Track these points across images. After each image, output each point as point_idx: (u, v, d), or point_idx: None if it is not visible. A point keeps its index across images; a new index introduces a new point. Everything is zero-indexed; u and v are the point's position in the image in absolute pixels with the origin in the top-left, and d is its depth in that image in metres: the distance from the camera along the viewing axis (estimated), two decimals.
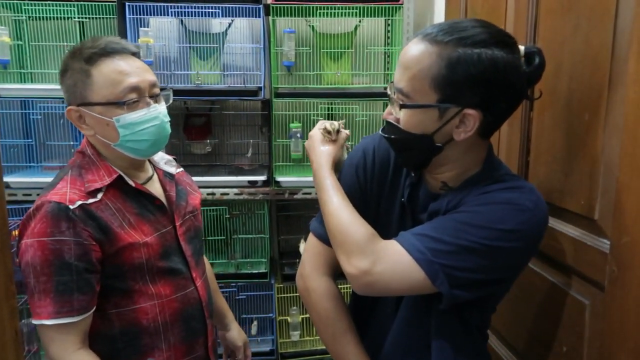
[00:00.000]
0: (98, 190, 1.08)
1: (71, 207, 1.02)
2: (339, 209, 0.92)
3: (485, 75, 0.79)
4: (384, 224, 0.98)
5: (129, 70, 1.07)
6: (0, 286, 0.47)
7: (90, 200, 1.05)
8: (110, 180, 1.09)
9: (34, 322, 1.02)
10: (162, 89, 1.16)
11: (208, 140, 2.34)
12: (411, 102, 0.83)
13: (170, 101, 1.18)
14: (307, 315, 2.17)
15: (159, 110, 1.12)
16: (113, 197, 1.09)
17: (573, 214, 0.95)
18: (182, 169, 1.32)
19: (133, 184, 1.13)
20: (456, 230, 0.82)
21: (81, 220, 1.02)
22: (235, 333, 1.44)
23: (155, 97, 1.12)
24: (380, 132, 0.93)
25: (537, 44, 1.08)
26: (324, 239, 0.98)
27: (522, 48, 0.83)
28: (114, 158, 1.13)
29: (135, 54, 1.12)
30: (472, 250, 0.81)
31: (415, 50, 0.83)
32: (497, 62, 0.78)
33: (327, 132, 1.03)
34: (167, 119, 1.15)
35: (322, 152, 1.02)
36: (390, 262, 0.83)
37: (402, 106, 0.84)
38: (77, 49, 1.08)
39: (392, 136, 0.89)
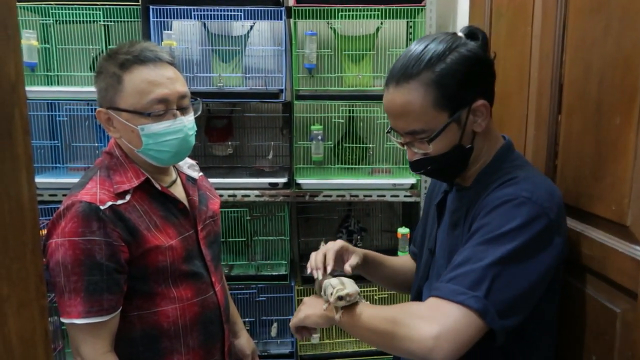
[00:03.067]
0: (126, 192, 1.09)
1: (102, 207, 1.03)
2: (370, 317, 0.89)
3: (468, 71, 0.88)
4: (425, 229, 1.14)
5: (159, 81, 1.07)
6: (31, 286, 0.48)
7: (119, 202, 1.07)
8: (139, 183, 1.10)
9: (64, 320, 1.03)
10: (192, 99, 1.16)
11: (229, 142, 2.35)
12: (432, 133, 0.90)
13: (199, 112, 1.18)
14: None
15: (184, 123, 1.12)
16: (140, 199, 1.11)
17: (603, 220, 0.93)
18: (202, 173, 1.33)
19: (159, 187, 1.14)
20: (477, 254, 0.84)
21: (111, 221, 1.03)
22: (244, 341, 1.42)
23: (183, 109, 1.13)
24: (415, 173, 1.01)
25: (565, 45, 1.06)
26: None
27: (460, 34, 0.93)
28: (140, 162, 1.14)
29: (171, 63, 1.11)
30: (500, 264, 0.82)
31: (400, 97, 0.90)
32: (466, 55, 0.88)
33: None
34: (192, 131, 1.15)
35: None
36: (442, 318, 0.81)
37: (429, 140, 0.91)
38: (114, 52, 1.09)
39: (429, 167, 0.95)
